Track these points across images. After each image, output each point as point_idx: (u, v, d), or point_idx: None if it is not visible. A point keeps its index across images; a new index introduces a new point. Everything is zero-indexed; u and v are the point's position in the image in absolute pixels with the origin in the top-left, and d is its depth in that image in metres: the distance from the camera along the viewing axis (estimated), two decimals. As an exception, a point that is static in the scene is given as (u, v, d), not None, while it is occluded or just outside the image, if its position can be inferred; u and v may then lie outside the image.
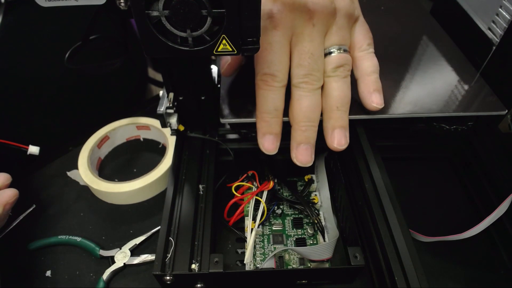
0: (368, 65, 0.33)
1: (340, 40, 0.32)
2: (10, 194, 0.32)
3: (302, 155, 0.31)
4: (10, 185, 0.34)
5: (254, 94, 0.35)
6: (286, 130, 0.32)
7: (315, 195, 0.38)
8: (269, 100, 0.31)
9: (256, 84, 0.32)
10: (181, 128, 0.35)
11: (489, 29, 0.38)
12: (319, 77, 0.31)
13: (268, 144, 0.32)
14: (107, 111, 0.48)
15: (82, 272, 0.35)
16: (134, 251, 0.36)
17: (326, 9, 0.31)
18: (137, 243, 0.36)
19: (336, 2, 0.32)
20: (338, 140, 0.32)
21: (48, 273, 0.35)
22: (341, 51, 0.32)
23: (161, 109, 0.33)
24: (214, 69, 0.37)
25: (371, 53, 0.34)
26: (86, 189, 0.41)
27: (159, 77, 0.61)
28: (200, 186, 0.33)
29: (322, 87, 0.32)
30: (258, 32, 0.25)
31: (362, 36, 0.34)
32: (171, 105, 0.32)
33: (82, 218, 0.39)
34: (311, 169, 0.39)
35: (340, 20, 0.32)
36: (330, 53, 0.32)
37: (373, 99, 0.32)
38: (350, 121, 0.33)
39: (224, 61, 0.34)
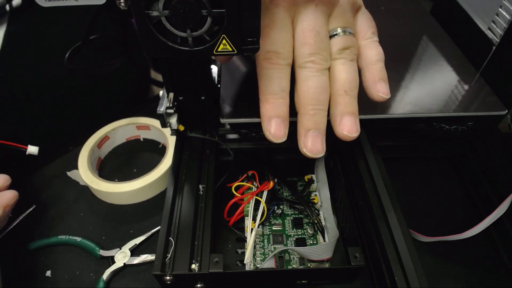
0: (373, 53, 0.31)
1: (344, 22, 0.30)
2: (10, 196, 0.32)
3: (312, 143, 0.28)
4: (10, 186, 0.34)
5: (254, 94, 0.34)
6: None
7: (315, 195, 0.38)
8: (274, 79, 0.28)
9: (258, 64, 0.29)
10: (181, 128, 0.35)
11: (489, 29, 0.38)
12: (326, 57, 0.29)
13: (276, 129, 0.28)
14: (107, 111, 0.48)
15: (82, 272, 0.35)
16: (134, 251, 0.36)
17: None
18: (137, 243, 0.36)
19: None
20: (349, 127, 0.28)
21: (48, 273, 0.35)
22: (346, 33, 0.30)
23: (161, 109, 0.33)
24: (214, 69, 0.37)
25: (376, 41, 0.32)
26: (86, 189, 0.41)
27: (159, 77, 0.61)
28: (200, 186, 0.33)
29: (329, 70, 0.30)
30: (258, 32, 0.25)
31: (365, 25, 0.32)
32: (171, 105, 0.32)
33: (82, 218, 0.39)
34: (311, 169, 0.39)
35: (343, 5, 0.30)
36: (335, 35, 0.30)
37: (379, 88, 0.30)
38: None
39: None
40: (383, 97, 0.30)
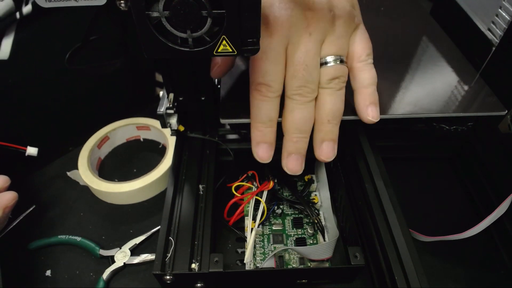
0: (366, 77, 0.32)
1: (337, 50, 0.31)
2: (10, 197, 0.32)
3: (292, 164, 0.32)
4: (10, 187, 0.34)
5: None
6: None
7: (315, 195, 0.38)
8: (263, 110, 0.31)
9: (250, 93, 0.31)
10: (181, 128, 0.35)
11: (489, 29, 0.38)
12: (313, 89, 0.31)
13: (262, 153, 0.32)
14: (107, 111, 0.48)
15: (82, 271, 0.35)
16: (134, 251, 0.36)
17: (324, 17, 0.30)
18: (137, 242, 0.36)
19: (336, 8, 0.31)
20: (326, 153, 0.32)
21: (48, 272, 0.35)
22: (337, 62, 0.31)
23: (161, 109, 0.33)
24: (214, 69, 0.37)
25: (370, 64, 0.33)
26: (86, 189, 0.41)
27: (159, 77, 0.61)
28: (200, 186, 0.33)
29: (316, 97, 0.32)
30: (258, 33, 0.25)
31: (361, 46, 0.33)
32: (171, 105, 0.32)
33: (82, 218, 0.39)
34: (311, 169, 0.39)
35: (339, 29, 0.31)
36: (326, 63, 0.31)
37: (369, 112, 0.32)
38: (351, 121, 0.33)
39: (214, 62, 0.33)
40: (372, 120, 0.32)
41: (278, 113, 0.31)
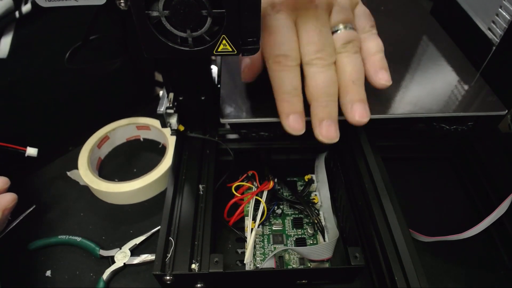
0: (372, 45, 0.33)
1: (344, 18, 0.32)
2: (9, 198, 0.32)
3: (327, 130, 0.30)
4: (10, 186, 0.34)
5: (254, 94, 0.34)
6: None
7: (315, 195, 0.38)
8: (286, 80, 0.30)
9: (269, 68, 0.31)
10: (181, 128, 0.35)
11: (489, 29, 0.38)
12: (331, 52, 0.30)
13: (294, 123, 0.30)
14: (107, 111, 0.48)
15: (82, 272, 0.35)
16: (134, 251, 0.36)
17: None
18: (137, 243, 0.36)
19: None
20: (360, 113, 0.30)
21: (48, 273, 0.35)
22: (347, 29, 0.31)
23: (161, 109, 0.33)
24: (214, 69, 0.37)
25: (375, 34, 0.33)
26: (86, 189, 0.41)
27: (159, 77, 0.61)
28: (200, 186, 0.33)
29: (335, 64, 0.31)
30: (258, 33, 0.25)
31: (364, 19, 0.34)
32: (171, 105, 0.32)
33: (82, 218, 0.39)
34: (311, 169, 0.39)
35: (342, 3, 0.32)
36: (337, 31, 0.31)
37: (381, 76, 0.31)
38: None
39: (244, 65, 0.33)
40: (385, 84, 0.32)
41: (300, 81, 0.31)
